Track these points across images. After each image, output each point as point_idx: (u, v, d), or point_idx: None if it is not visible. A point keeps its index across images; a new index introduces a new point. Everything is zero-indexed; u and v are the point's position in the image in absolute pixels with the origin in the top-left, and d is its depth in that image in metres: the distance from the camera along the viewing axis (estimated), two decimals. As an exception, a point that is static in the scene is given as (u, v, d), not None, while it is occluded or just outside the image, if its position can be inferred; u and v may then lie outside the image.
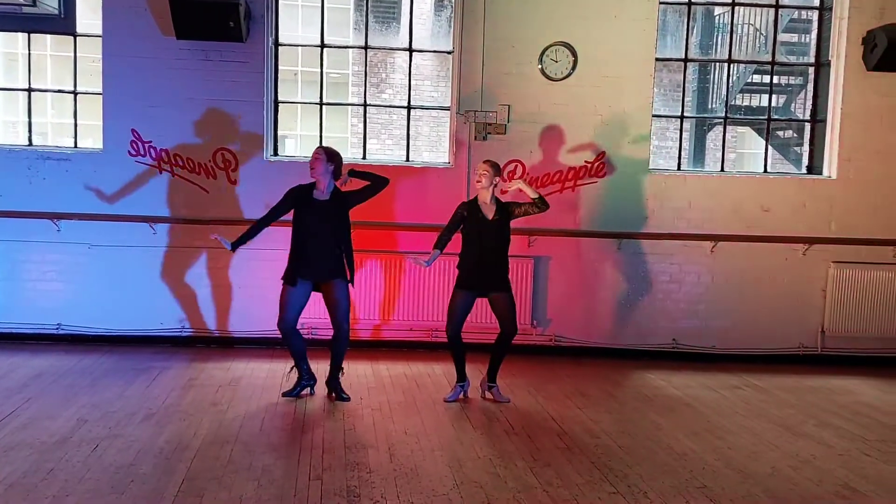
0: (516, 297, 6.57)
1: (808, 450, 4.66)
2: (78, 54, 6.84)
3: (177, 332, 6.70)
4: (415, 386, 5.68)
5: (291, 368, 5.41)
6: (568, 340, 6.88)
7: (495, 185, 5.28)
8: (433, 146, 12.34)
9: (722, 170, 7.28)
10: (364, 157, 7.09)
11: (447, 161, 6.91)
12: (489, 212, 5.26)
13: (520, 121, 6.70)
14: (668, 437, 4.76)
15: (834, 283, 6.99)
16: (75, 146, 6.93)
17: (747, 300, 6.96)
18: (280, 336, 5.39)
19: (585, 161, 6.77)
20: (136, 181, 6.59)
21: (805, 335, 7.06)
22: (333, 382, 5.34)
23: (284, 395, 5.30)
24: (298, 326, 5.41)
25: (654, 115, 6.95)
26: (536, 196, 5.25)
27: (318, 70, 7.07)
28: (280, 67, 6.89)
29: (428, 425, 4.81)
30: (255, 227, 5.35)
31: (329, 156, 5.22)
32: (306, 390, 5.37)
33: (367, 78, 7.31)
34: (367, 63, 7.36)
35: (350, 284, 5.32)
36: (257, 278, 6.64)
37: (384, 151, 12.55)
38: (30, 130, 7.02)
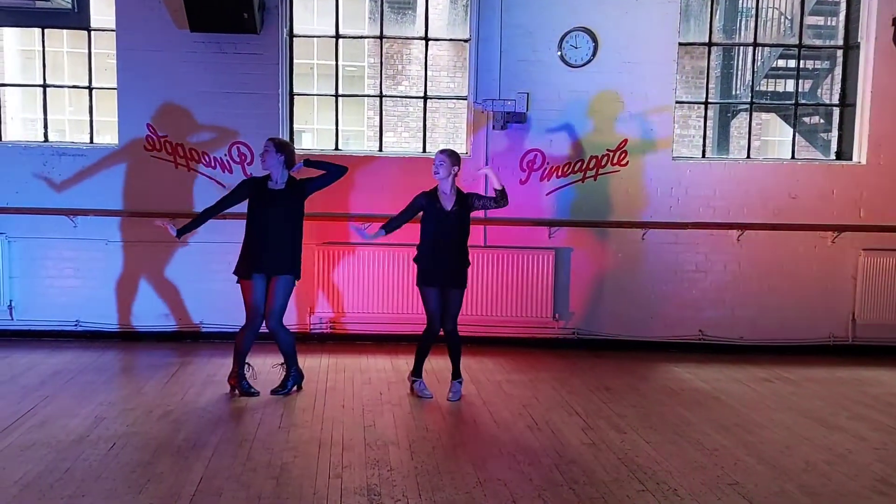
0: (538, 290, 6.53)
1: (843, 444, 4.50)
2: (93, 49, 6.80)
3: (195, 327, 6.66)
4: (434, 381, 5.57)
5: (280, 364, 5.28)
6: (590, 333, 6.74)
7: (454, 175, 5.14)
8: (450, 138, 12.21)
9: (748, 157, 7.08)
10: (381, 150, 6.98)
11: (464, 151, 6.78)
12: (448, 202, 5.12)
13: (539, 109, 6.55)
14: (697, 432, 4.62)
15: (864, 272, 6.79)
16: (91, 142, 6.89)
17: (775, 290, 6.78)
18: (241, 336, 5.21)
19: (607, 149, 6.61)
20: (153, 176, 6.53)
21: (835, 325, 6.86)
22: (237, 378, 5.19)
23: (273, 392, 5.16)
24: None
25: (677, 102, 6.77)
26: (500, 188, 5.09)
27: (334, 62, 6.96)
28: (295, 60, 6.80)
29: (449, 421, 4.71)
30: (203, 216, 5.29)
31: (278, 146, 5.16)
32: (294, 388, 5.26)
33: (383, 69, 7.19)
34: (383, 54, 7.25)
35: (295, 279, 5.19)
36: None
37: (401, 144, 12.43)
38: (45, 127, 6.98)
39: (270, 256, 5.06)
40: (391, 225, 5.21)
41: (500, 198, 5.10)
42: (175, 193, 6.53)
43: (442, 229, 5.07)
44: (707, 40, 6.96)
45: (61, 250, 6.56)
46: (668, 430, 4.66)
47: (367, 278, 6.59)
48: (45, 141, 6.86)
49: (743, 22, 10.10)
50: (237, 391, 5.15)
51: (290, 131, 6.78)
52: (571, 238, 6.64)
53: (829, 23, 9.57)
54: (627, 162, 6.63)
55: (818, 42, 8.54)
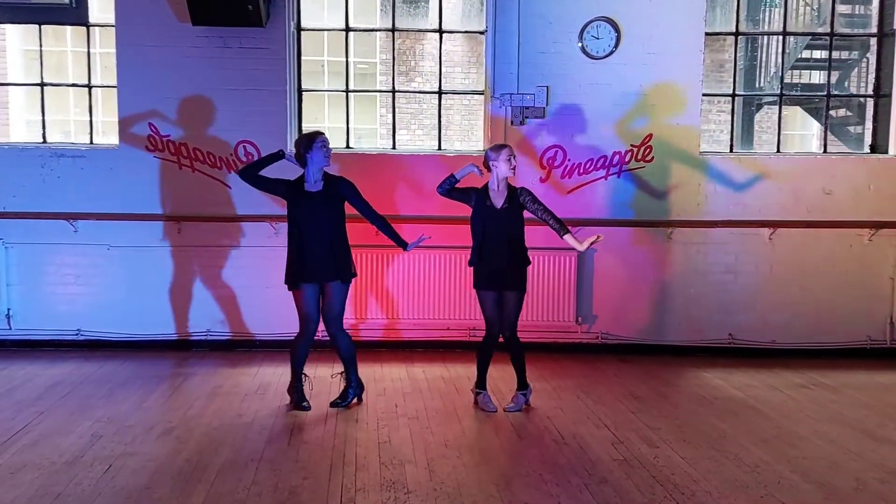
0: (559, 293, 6.21)
1: (894, 458, 4.16)
2: (97, 47, 6.55)
3: (202, 335, 6.38)
4: (453, 390, 5.28)
5: (339, 374, 5.04)
6: (615, 338, 6.41)
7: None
8: (465, 136, 11.88)
9: (778, 151, 6.73)
10: (394, 147, 6.68)
11: (482, 148, 6.47)
12: (498, 199, 4.81)
13: (559, 103, 6.24)
14: (735, 446, 4.29)
15: (903, 271, 6.43)
16: (91, 142, 6.64)
17: (809, 291, 6.43)
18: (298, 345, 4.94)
19: (631, 145, 6.28)
20: (156, 178, 6.26)
21: (872, 327, 6.50)
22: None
23: (332, 405, 4.90)
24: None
25: (704, 95, 6.43)
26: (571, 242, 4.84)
27: (344, 58, 6.66)
28: (305, 56, 6.51)
29: (470, 436, 4.41)
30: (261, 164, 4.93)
31: (295, 145, 4.89)
32: (354, 400, 4.98)
33: (395, 63, 6.89)
34: (395, 48, 6.95)
35: (346, 283, 4.86)
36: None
37: (414, 142, 12.12)
38: (44, 127, 6.73)
39: (316, 264, 4.74)
40: (454, 191, 4.89)
41: (561, 228, 4.83)
42: (179, 195, 6.26)
43: (492, 228, 4.77)
44: (734, 30, 6.60)
45: (61, 256, 6.30)
46: (704, 443, 4.33)
47: (381, 282, 6.30)
48: (43, 142, 6.61)
49: (766, 12, 9.71)
50: (292, 404, 4.90)
51: (299, 129, 6.49)
52: (594, 238, 6.31)
53: (857, 11, 9.17)
54: (653, 158, 6.30)
55: (849, 31, 8.14)
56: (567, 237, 4.80)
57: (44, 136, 6.70)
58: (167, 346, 6.32)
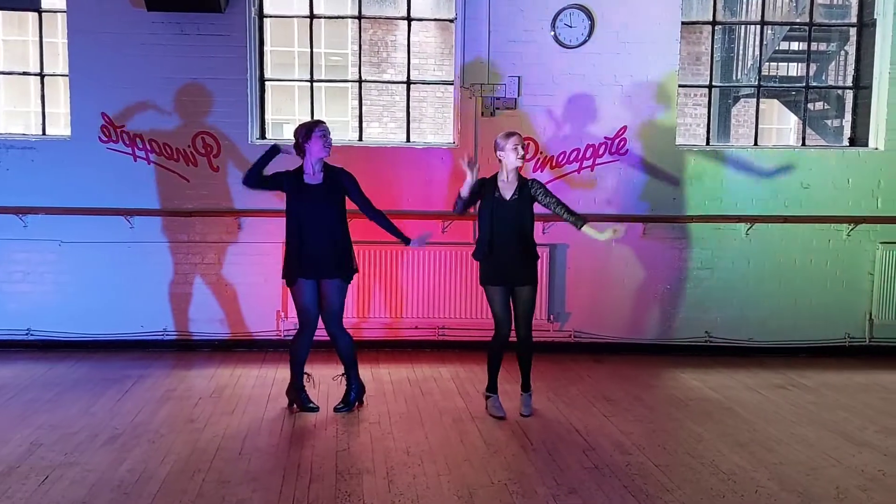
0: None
1: (874, 463, 4.00)
2: (59, 36, 6.21)
3: (159, 335, 6.11)
4: (419, 393, 5.05)
5: (340, 376, 4.78)
6: (589, 336, 6.22)
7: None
8: (439, 129, 11.65)
9: (755, 144, 6.57)
10: (360, 139, 6.43)
11: (451, 141, 6.24)
12: (508, 190, 4.55)
13: (531, 94, 6.02)
14: (711, 451, 4.11)
15: (882, 266, 6.29)
16: (43, 133, 6.32)
17: (787, 287, 6.28)
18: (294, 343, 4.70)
19: (605, 137, 6.08)
20: (109, 170, 5.96)
21: (851, 324, 6.37)
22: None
23: (336, 410, 4.65)
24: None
25: (680, 85, 6.24)
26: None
27: (309, 48, 6.38)
28: (274, 47, 6.26)
29: (433, 442, 4.18)
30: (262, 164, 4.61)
31: (294, 134, 4.60)
32: (357, 403, 4.74)
33: (366, 55, 6.63)
34: (365, 39, 6.71)
35: (346, 280, 4.64)
36: (248, 275, 6.05)
37: (386, 135, 11.86)
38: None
39: (315, 260, 4.50)
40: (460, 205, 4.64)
41: (577, 220, 4.62)
42: (134, 189, 5.97)
43: (501, 221, 4.51)
44: (711, 18, 6.42)
45: (10, 252, 5.99)
46: (679, 449, 4.15)
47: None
48: (-8, 132, 6.28)
49: (744, 2, 9.57)
50: (296, 405, 4.65)
51: (262, 120, 6.22)
52: (567, 233, 6.09)
53: (837, 1, 9.07)
54: (627, 150, 6.10)
55: (828, 21, 8.00)
56: (586, 229, 4.60)
57: (-8, 127, 6.38)
58: (122, 346, 6.04)
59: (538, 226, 5.99)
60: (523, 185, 4.57)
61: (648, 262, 6.20)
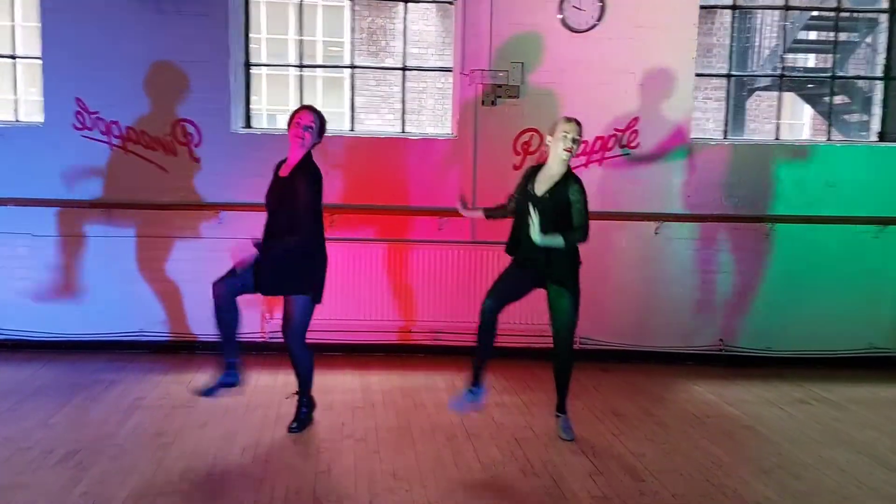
0: (533, 292, 5.57)
1: (913, 492, 3.60)
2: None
3: (135, 335, 5.70)
4: (411, 406, 4.64)
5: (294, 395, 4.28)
6: (595, 343, 5.80)
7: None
8: (439, 121, 11.22)
9: (777, 138, 6.14)
10: (352, 129, 6.02)
11: (450, 132, 5.83)
12: (545, 184, 4.00)
13: (536, 82, 5.59)
14: (732, 478, 3.71)
15: (911, 272, 5.87)
16: (16, 120, 5.92)
17: (808, 292, 5.84)
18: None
19: (616, 129, 5.66)
20: (84, 160, 5.56)
21: (877, 333, 5.94)
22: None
23: (290, 430, 4.13)
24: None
25: (697, 74, 5.81)
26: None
27: (298, 34, 5.96)
28: (270, 34, 5.83)
29: (423, 464, 3.77)
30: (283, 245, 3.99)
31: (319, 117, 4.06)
32: (221, 390, 4.04)
33: (359, 39, 6.20)
34: (360, 21, 6.28)
35: (311, 299, 4.06)
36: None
37: (385, 127, 11.42)
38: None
39: (269, 268, 3.92)
40: (492, 209, 4.37)
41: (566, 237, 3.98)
42: (111, 179, 5.56)
43: (526, 217, 3.94)
44: (731, 2, 5.99)
45: (-23, 246, 5.60)
46: (698, 474, 3.74)
47: (336, 277, 5.62)
48: (-39, 118, 5.88)
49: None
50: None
51: (246, 108, 5.82)
52: (573, 233, 5.70)
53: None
54: (639, 143, 5.68)
55: (857, 7, 7.54)
56: (538, 228, 3.89)
57: (-39, 112, 5.98)
58: (96, 346, 5.64)
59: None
60: (563, 182, 3.97)
61: (660, 263, 5.78)
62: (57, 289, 5.66)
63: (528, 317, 5.57)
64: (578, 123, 4.03)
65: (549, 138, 4.05)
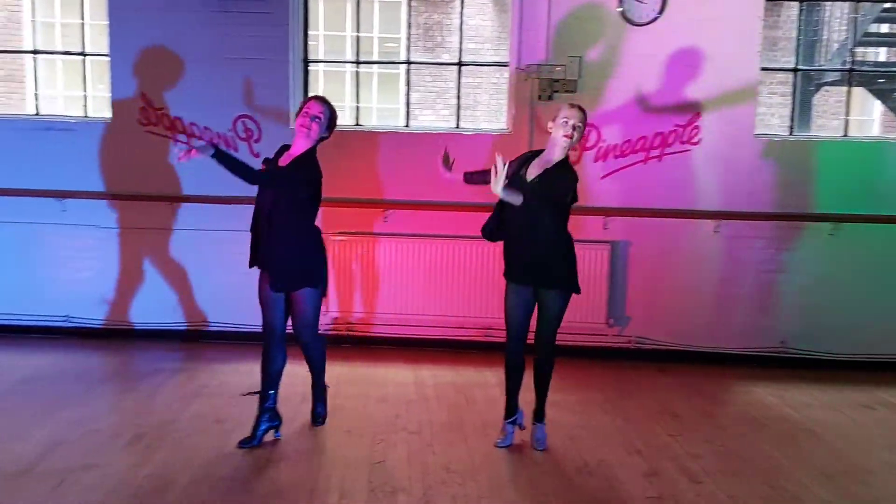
0: (589, 290, 5.48)
1: None
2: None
3: (199, 325, 5.87)
4: (463, 401, 4.66)
5: (251, 393, 4.09)
6: (651, 343, 5.72)
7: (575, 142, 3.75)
8: (493, 116, 11.19)
9: (845, 134, 5.93)
10: (407, 125, 6.06)
11: (505, 127, 5.81)
12: (538, 169, 3.73)
13: (594, 76, 5.53)
14: (793, 482, 3.61)
15: (985, 274, 5.60)
16: (85, 116, 6.15)
17: (876, 294, 5.63)
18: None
19: (676, 124, 5.55)
20: (148, 155, 5.74)
21: (948, 338, 5.69)
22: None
23: (240, 445, 3.82)
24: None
25: (763, 69, 5.66)
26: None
27: (356, 31, 6.03)
28: (327, 31, 5.91)
29: (477, 459, 3.79)
30: (243, 166, 3.72)
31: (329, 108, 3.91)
32: (270, 433, 3.95)
33: (415, 35, 6.24)
34: (416, 17, 6.32)
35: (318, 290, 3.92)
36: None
37: (438, 123, 11.46)
38: (36, 98, 6.26)
39: (273, 263, 3.82)
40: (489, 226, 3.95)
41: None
42: (172, 174, 5.73)
43: (516, 206, 3.60)
44: (798, -6, 5.81)
45: (49, 236, 5.82)
46: (756, 478, 3.66)
47: (389, 272, 5.69)
48: (36, 114, 6.14)
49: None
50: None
51: (305, 103, 5.91)
52: (630, 229, 5.62)
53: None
54: (700, 139, 5.56)
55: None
56: (501, 184, 3.48)
57: (37, 108, 6.24)
58: (161, 335, 5.82)
59: (598, 220, 5.57)
60: (556, 169, 3.70)
61: (720, 262, 5.65)
62: (121, 279, 5.86)
63: (581, 315, 5.53)
64: (582, 110, 3.76)
65: (550, 124, 3.79)
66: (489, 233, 3.96)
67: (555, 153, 3.75)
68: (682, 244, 5.65)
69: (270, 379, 3.91)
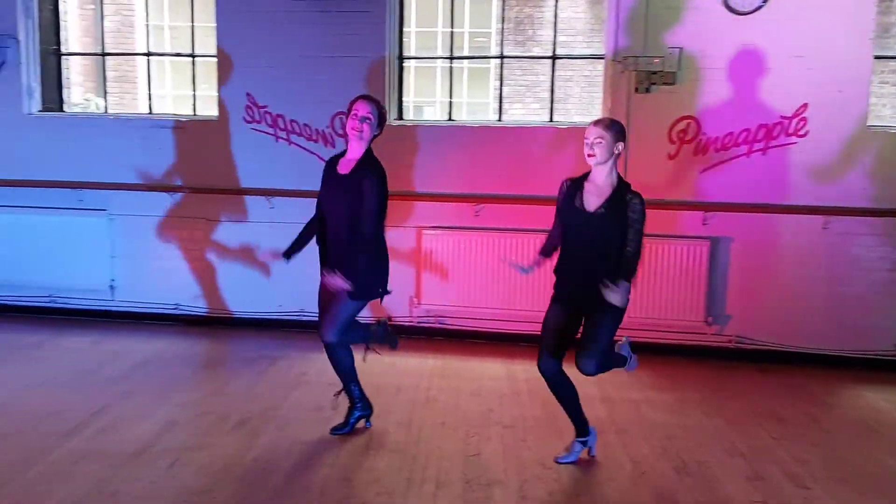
0: (687, 287, 5.39)
1: None
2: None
3: (296, 315, 6.09)
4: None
5: (339, 392, 4.10)
6: (752, 342, 5.52)
7: (615, 158, 3.44)
8: (585, 109, 11.03)
9: (970, 124, 5.54)
10: (500, 119, 6.07)
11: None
12: (594, 199, 3.46)
13: (694, 67, 5.37)
14: (910, 493, 3.42)
15: None
16: (194, 114, 6.47)
17: None
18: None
19: (781, 116, 5.33)
20: (253, 151, 5.99)
21: None
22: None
23: (333, 431, 3.97)
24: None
25: (876, 57, 5.34)
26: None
27: (450, 26, 6.07)
28: (417, 28, 6.00)
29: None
30: (310, 226, 3.98)
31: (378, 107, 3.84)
32: (361, 422, 4.07)
33: (506, 29, 6.23)
34: (507, 12, 6.30)
35: (359, 296, 3.80)
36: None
37: (529, 116, 11.39)
38: (150, 98, 6.63)
39: (333, 261, 3.80)
40: (546, 247, 3.76)
41: (622, 270, 3.41)
42: (273, 170, 5.95)
43: (578, 234, 3.48)
44: (918, -24, 5.45)
45: (162, 229, 6.18)
46: (868, 486, 3.48)
47: (481, 266, 5.72)
48: (149, 113, 6.51)
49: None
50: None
51: (399, 100, 6.01)
52: (731, 225, 5.44)
53: None
54: (807, 132, 5.31)
55: None
56: (612, 289, 3.33)
57: (150, 107, 6.61)
58: (261, 325, 6.07)
59: (697, 216, 5.42)
60: (620, 196, 3.42)
61: (827, 260, 5.39)
62: (223, 271, 6.14)
63: (678, 312, 5.41)
64: (600, 123, 3.45)
65: (618, 147, 3.46)
66: (546, 251, 3.76)
67: (601, 177, 3.47)
68: (787, 240, 5.42)
69: (345, 375, 3.97)
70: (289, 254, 3.98)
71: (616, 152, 3.42)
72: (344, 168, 3.82)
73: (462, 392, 4.66)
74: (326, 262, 3.86)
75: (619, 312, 3.45)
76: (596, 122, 3.48)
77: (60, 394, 4.45)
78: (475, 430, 4.06)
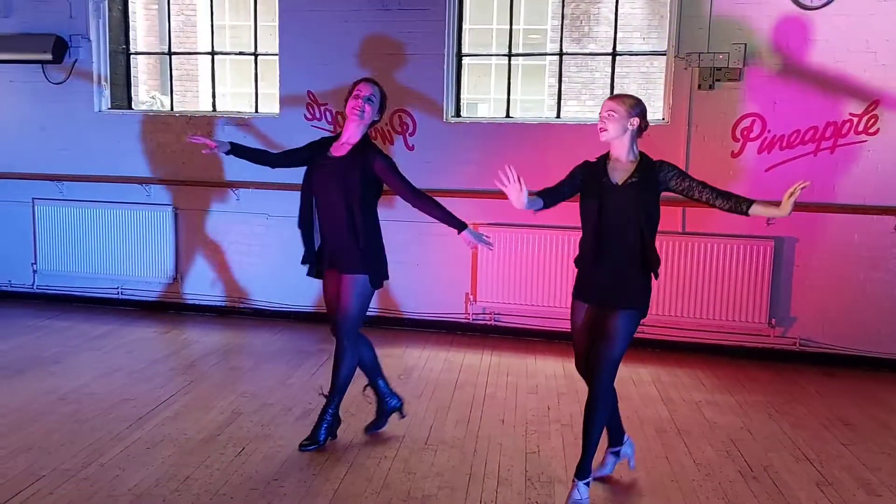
0: (750, 288, 5.29)
1: None
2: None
3: (352, 310, 6.17)
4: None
5: (365, 387, 4.08)
6: (817, 345, 5.38)
7: (633, 132, 3.19)
8: (641, 107, 10.90)
9: None
10: (558, 116, 6.04)
11: (661, 117, 5.65)
12: (622, 173, 3.22)
13: (760, 63, 5.26)
14: None
15: None
16: (255, 111, 6.61)
17: None
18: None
19: (851, 114, 5.18)
20: (312, 147, 6.09)
21: None
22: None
23: (368, 430, 3.94)
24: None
25: (953, 50, 5.15)
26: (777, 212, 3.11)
27: (509, 24, 6.06)
28: (473, 25, 6.02)
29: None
30: (260, 152, 3.98)
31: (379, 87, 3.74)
32: (395, 415, 4.03)
33: (564, 24, 6.20)
34: (569, 13, 6.26)
35: (371, 282, 3.70)
36: (438, 255, 5.92)
37: (585, 113, 11.30)
38: (213, 96, 6.80)
39: (331, 250, 3.73)
40: (545, 192, 3.37)
41: (737, 203, 3.20)
42: (334, 166, 6.04)
43: (606, 213, 3.16)
44: None
45: (225, 224, 6.35)
46: (944, 496, 3.37)
47: (538, 264, 5.71)
48: (213, 110, 6.68)
49: None
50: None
51: (457, 98, 6.04)
52: (797, 225, 5.31)
53: None
54: (878, 130, 5.16)
55: None
56: (756, 208, 3.12)
57: (213, 105, 6.78)
58: (320, 318, 6.17)
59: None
60: (647, 166, 3.20)
61: (898, 262, 5.23)
62: (287, 264, 6.27)
63: (741, 314, 5.31)
64: (615, 98, 3.23)
65: (632, 122, 3.20)
66: (585, 261, 3.33)
67: (622, 154, 3.23)
68: (855, 241, 5.27)
69: (368, 371, 3.95)
70: (234, 146, 3.87)
71: (631, 127, 3.18)
72: (339, 151, 3.68)
73: (520, 389, 4.67)
74: (326, 255, 3.75)
75: (640, 314, 3.19)
76: (614, 98, 3.26)
77: (131, 382, 4.62)
78: (534, 428, 4.06)
